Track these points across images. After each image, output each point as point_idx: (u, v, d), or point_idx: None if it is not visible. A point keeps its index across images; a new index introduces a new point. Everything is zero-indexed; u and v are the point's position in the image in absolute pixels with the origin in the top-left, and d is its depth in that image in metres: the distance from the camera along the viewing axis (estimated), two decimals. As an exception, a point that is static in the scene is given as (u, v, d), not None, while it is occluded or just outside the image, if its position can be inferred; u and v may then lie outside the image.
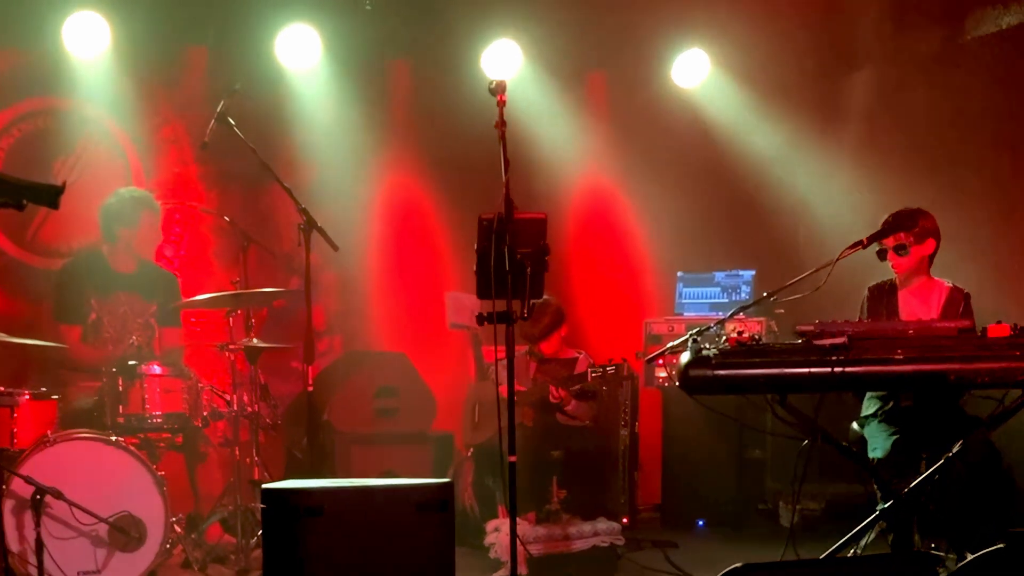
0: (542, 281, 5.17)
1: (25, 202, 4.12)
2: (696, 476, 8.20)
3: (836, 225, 8.11)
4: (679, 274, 8.78)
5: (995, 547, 4.50)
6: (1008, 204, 7.73)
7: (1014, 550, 4.49)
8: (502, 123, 5.26)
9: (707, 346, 5.17)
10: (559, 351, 7.60)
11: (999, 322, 5.09)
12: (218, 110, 6.75)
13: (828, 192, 8.66)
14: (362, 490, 4.88)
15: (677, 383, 5.29)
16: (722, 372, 5.10)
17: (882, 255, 6.12)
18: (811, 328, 5.19)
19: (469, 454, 7.83)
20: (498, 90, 5.32)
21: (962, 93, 8.06)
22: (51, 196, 4.17)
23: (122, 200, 7.14)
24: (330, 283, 8.65)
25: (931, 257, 6.15)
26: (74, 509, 5.85)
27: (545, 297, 7.43)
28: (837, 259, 5.58)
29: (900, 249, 6.09)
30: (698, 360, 5.12)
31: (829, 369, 5.06)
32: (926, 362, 5.04)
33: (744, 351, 5.14)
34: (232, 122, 6.72)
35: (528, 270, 5.06)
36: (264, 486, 4.88)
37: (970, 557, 4.66)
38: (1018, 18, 7.71)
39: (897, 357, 5.06)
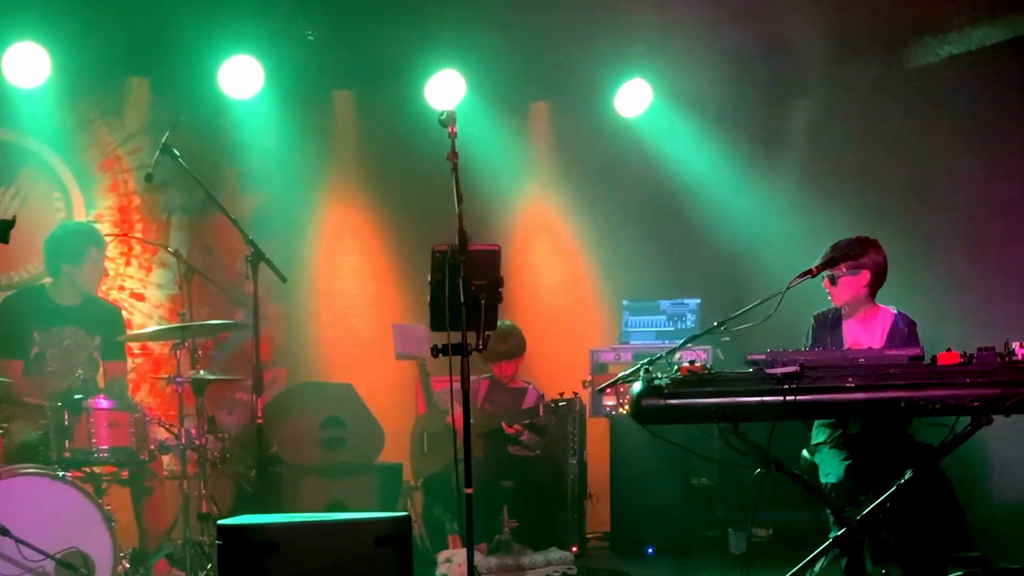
0: (496, 312, 5.16)
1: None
2: (645, 504, 8.20)
3: (780, 253, 8.14)
4: (625, 302, 8.82)
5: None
6: (950, 231, 7.83)
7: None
8: (454, 154, 5.25)
9: (659, 375, 5.18)
10: (513, 379, 7.65)
11: (948, 350, 5.14)
12: (163, 141, 6.70)
13: (771, 220, 8.73)
14: (318, 525, 4.86)
15: (629, 413, 5.30)
16: (674, 401, 5.12)
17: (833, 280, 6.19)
18: (762, 357, 5.22)
19: (419, 484, 7.81)
20: (448, 121, 5.31)
21: (902, 121, 8.17)
22: (1, 230, 4.14)
23: (67, 234, 7.09)
24: (275, 314, 8.60)
25: (871, 286, 6.19)
26: (20, 546, 5.75)
27: (510, 323, 7.49)
28: (786, 289, 5.61)
29: (832, 279, 6.15)
30: (650, 390, 5.13)
31: (781, 397, 5.08)
32: (877, 390, 5.09)
33: (696, 380, 5.16)
34: (177, 153, 6.67)
35: (482, 302, 5.05)
36: (220, 522, 4.85)
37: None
38: (957, 48, 7.84)
39: (848, 385, 5.10)
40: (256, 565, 4.59)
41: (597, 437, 8.34)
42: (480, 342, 5.05)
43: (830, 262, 6.05)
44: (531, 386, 7.79)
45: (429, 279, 5.13)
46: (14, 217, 4.07)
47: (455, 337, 5.02)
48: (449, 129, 5.29)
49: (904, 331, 6.14)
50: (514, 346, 7.63)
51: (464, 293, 5.00)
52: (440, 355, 5.04)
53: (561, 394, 7.33)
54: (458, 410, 5.12)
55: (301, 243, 8.81)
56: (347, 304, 9.02)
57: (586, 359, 8.51)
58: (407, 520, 4.92)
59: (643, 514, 8.24)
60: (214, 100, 8.32)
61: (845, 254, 6.09)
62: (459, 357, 5.03)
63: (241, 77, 8.24)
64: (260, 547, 4.59)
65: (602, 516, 8.53)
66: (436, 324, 5.12)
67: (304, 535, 4.73)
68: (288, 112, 8.62)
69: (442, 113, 5.34)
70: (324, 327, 8.91)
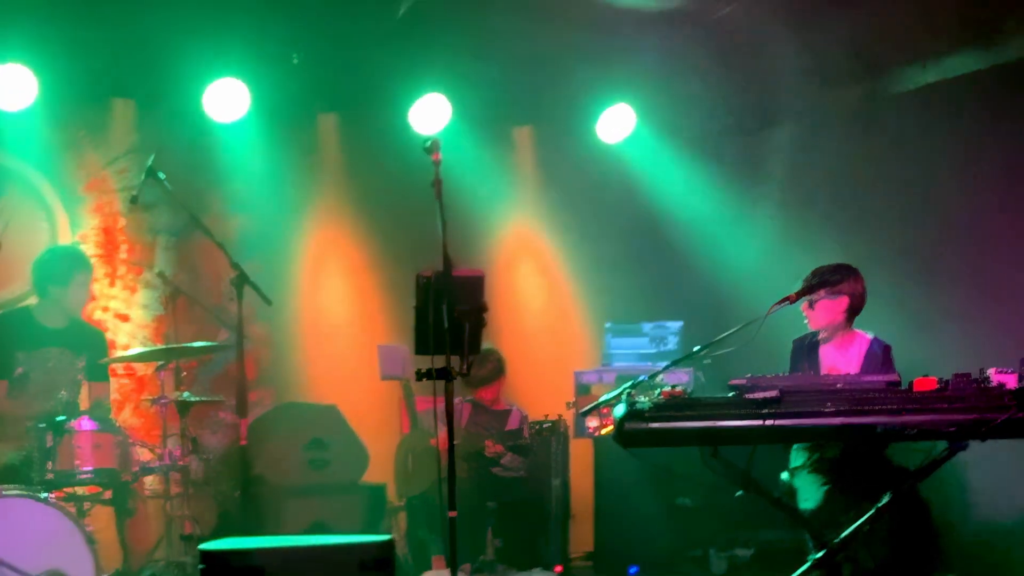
0: (480, 337, 5.21)
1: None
2: (627, 524, 8.22)
3: (759, 277, 8.23)
4: (607, 325, 8.87)
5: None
6: (928, 258, 7.89)
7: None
8: (438, 181, 5.30)
9: (641, 399, 5.23)
10: (496, 401, 7.70)
11: (925, 375, 5.20)
12: (148, 164, 6.72)
13: (753, 244, 8.80)
14: (303, 550, 4.86)
15: (612, 436, 5.34)
16: (656, 425, 5.16)
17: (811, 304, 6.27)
18: (743, 382, 5.27)
19: (402, 504, 7.84)
20: (433, 149, 5.36)
21: (883, 148, 8.23)
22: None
23: (55, 258, 7.12)
24: (260, 335, 8.62)
25: (848, 312, 6.28)
26: (2, 567, 5.76)
27: (489, 346, 7.54)
28: (767, 314, 5.67)
29: (810, 303, 6.24)
30: (632, 414, 5.17)
31: (761, 421, 5.13)
32: (855, 415, 5.13)
33: (677, 404, 5.20)
34: (163, 177, 6.70)
35: (467, 327, 5.10)
36: (202, 546, 4.85)
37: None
38: (936, 76, 7.91)
39: (827, 410, 5.15)
40: (240, 589, 4.61)
41: (581, 458, 8.37)
42: (464, 366, 5.10)
43: (809, 288, 6.14)
44: (515, 408, 7.85)
45: (414, 304, 5.18)
46: None
47: (439, 361, 5.06)
48: (433, 156, 5.34)
49: (879, 356, 6.22)
50: (491, 371, 7.71)
51: (448, 319, 5.04)
52: (424, 379, 5.09)
53: (546, 416, 7.36)
54: (442, 432, 5.16)
55: (286, 265, 8.84)
56: (331, 325, 9.04)
57: (569, 381, 8.56)
58: (391, 544, 4.92)
59: (626, 534, 8.26)
60: (199, 122, 8.35)
61: (824, 280, 6.17)
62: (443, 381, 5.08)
63: (226, 99, 8.27)
64: (244, 572, 4.60)
65: (585, 536, 8.54)
66: (420, 348, 5.17)
67: (288, 560, 4.73)
68: (273, 135, 8.66)
69: (426, 140, 5.39)
70: (309, 348, 8.94)
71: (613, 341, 8.80)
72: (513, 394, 8.24)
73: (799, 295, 6.03)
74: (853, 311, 6.27)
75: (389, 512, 8.15)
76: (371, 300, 9.06)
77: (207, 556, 4.75)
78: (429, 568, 7.32)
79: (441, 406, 5.16)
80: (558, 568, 7.78)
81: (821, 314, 6.25)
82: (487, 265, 8.15)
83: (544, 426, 7.13)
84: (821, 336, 6.35)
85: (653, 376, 5.80)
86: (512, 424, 7.69)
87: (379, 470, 8.20)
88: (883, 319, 6.52)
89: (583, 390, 8.51)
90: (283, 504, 7.83)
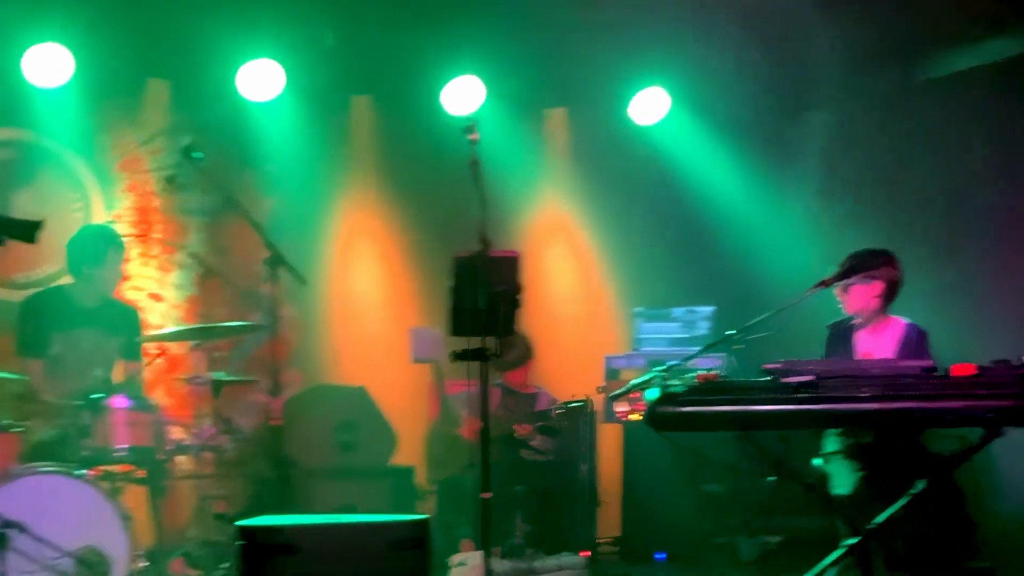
0: (514, 319, 5.21)
1: (3, 237, 4.14)
2: (655, 510, 8.23)
3: (793, 262, 8.20)
4: (637, 309, 8.86)
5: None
6: (963, 244, 7.86)
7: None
8: (476, 161, 5.30)
9: (674, 383, 5.21)
10: (524, 385, 7.70)
11: (963, 362, 5.17)
12: (186, 144, 6.74)
13: (785, 229, 8.76)
14: (337, 527, 4.87)
15: (643, 420, 5.32)
16: (689, 409, 5.12)
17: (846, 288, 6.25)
18: (778, 366, 5.24)
19: (431, 488, 7.85)
20: (471, 129, 5.38)
21: (916, 134, 8.20)
22: (30, 231, 4.20)
23: (89, 237, 7.15)
24: (290, 317, 8.62)
25: (884, 297, 6.25)
26: (39, 543, 5.78)
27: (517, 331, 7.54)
28: (802, 298, 5.65)
29: (845, 288, 6.21)
30: (665, 397, 5.14)
31: (796, 406, 5.11)
32: (891, 400, 5.09)
33: (711, 388, 5.17)
34: (201, 156, 6.71)
35: (502, 308, 5.09)
36: (238, 523, 4.87)
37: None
38: (971, 62, 7.87)
39: (863, 395, 5.12)
40: (274, 566, 4.61)
41: (609, 443, 8.38)
42: (499, 348, 5.11)
43: (845, 273, 6.11)
44: (542, 390, 7.86)
45: (449, 284, 5.18)
46: (43, 219, 4.11)
47: (474, 343, 5.06)
48: (471, 136, 5.34)
49: (915, 341, 6.21)
50: (520, 354, 7.71)
51: (484, 299, 5.04)
52: (460, 360, 5.09)
53: (574, 396, 7.36)
54: (471, 417, 5.16)
55: (317, 246, 8.85)
56: (362, 307, 9.06)
57: (599, 365, 8.56)
58: (426, 523, 4.92)
59: (654, 520, 8.27)
60: (233, 104, 8.38)
61: (860, 265, 6.14)
62: (477, 362, 5.08)
63: (260, 80, 8.31)
64: (279, 549, 4.62)
65: (613, 522, 8.54)
66: (456, 329, 5.17)
67: (323, 537, 4.73)
68: (306, 116, 8.67)
69: (465, 120, 5.40)
70: (339, 330, 8.96)
71: (643, 326, 8.78)
72: (542, 378, 8.24)
73: (834, 279, 6.01)
74: (888, 296, 6.24)
75: (418, 495, 8.17)
76: (402, 282, 9.07)
77: (243, 532, 4.76)
78: (458, 551, 7.33)
79: (476, 388, 5.16)
80: (585, 553, 7.79)
81: (856, 299, 6.24)
82: (517, 247, 8.12)
83: (572, 406, 7.12)
84: (856, 321, 6.33)
85: (686, 360, 5.81)
86: (541, 406, 7.69)
87: (408, 453, 8.22)
88: (919, 305, 6.49)
89: (613, 375, 8.51)
90: (313, 485, 7.86)
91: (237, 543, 4.79)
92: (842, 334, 6.39)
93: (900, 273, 6.24)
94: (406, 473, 8.21)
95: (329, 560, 4.71)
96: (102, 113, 8.31)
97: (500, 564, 6.87)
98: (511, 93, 8.88)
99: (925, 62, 8.20)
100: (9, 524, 5.68)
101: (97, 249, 7.03)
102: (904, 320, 6.29)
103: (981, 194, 7.80)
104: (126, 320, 7.23)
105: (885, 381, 5.16)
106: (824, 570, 5.49)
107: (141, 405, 6.61)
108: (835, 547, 5.53)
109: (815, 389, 5.11)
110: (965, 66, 7.92)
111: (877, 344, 6.28)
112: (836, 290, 6.24)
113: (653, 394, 5.18)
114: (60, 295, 7.10)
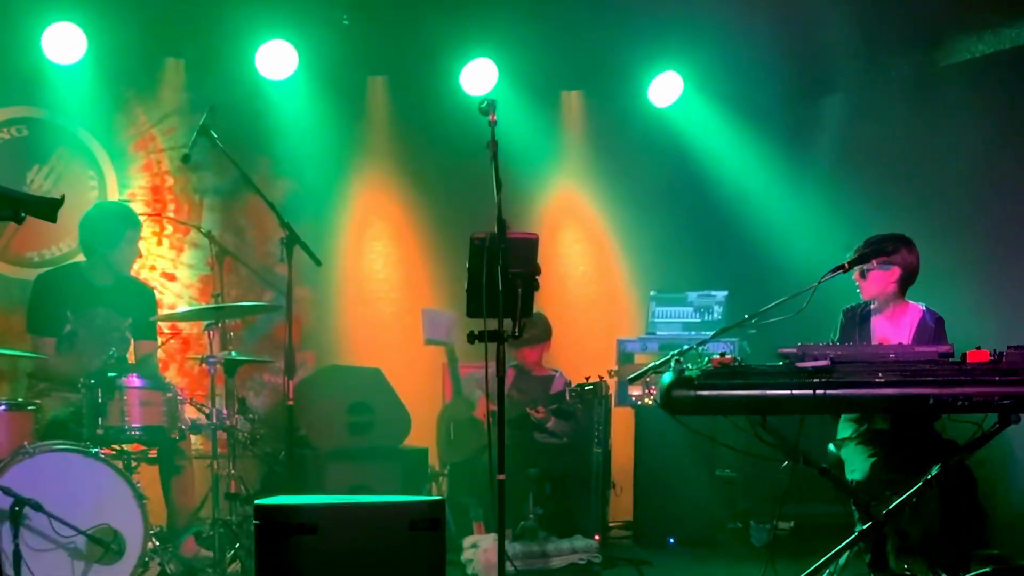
0: (532, 300, 5.21)
1: (24, 215, 4.13)
2: (667, 494, 8.23)
3: (808, 247, 8.20)
4: (652, 293, 8.85)
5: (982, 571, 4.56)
6: (980, 231, 7.83)
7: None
8: (494, 143, 5.29)
9: (689, 367, 5.21)
10: (539, 365, 7.70)
11: (978, 347, 5.16)
12: (201, 123, 6.72)
13: (801, 214, 8.74)
14: (354, 507, 4.88)
15: (658, 403, 5.31)
16: (704, 393, 5.12)
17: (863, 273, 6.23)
18: (793, 351, 5.24)
19: (444, 470, 7.85)
20: (489, 110, 5.37)
21: (935, 120, 8.16)
22: (50, 209, 4.19)
23: (103, 215, 7.11)
24: (304, 297, 8.63)
25: (901, 282, 6.23)
26: (53, 521, 5.80)
27: (537, 311, 7.54)
28: (818, 283, 5.62)
29: (862, 272, 6.19)
30: (680, 381, 5.14)
31: (812, 391, 5.10)
32: (907, 386, 5.09)
33: (727, 372, 5.16)
34: (216, 136, 6.70)
35: (519, 290, 5.09)
36: (257, 502, 4.88)
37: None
38: (991, 47, 7.83)
39: (878, 380, 5.12)
40: (292, 545, 4.62)
41: (621, 427, 8.37)
42: (516, 330, 5.10)
43: (862, 257, 6.08)
44: (558, 373, 7.85)
45: (467, 266, 5.17)
46: (62, 197, 4.10)
47: (492, 324, 5.06)
48: (489, 117, 5.33)
49: (932, 327, 6.19)
50: (538, 333, 7.69)
51: (502, 281, 5.03)
52: (477, 341, 5.09)
53: (587, 378, 7.35)
54: (484, 399, 5.15)
55: (331, 227, 8.86)
56: (376, 289, 9.07)
57: (612, 348, 8.55)
58: (442, 504, 4.92)
59: (666, 505, 8.27)
60: (249, 84, 8.39)
61: (877, 249, 6.12)
62: (493, 344, 5.07)
63: (276, 61, 8.32)
64: (297, 528, 4.62)
65: (625, 505, 8.55)
66: (473, 311, 5.16)
67: (341, 517, 4.74)
68: (322, 97, 8.67)
69: (483, 101, 5.39)
70: (352, 311, 8.96)
71: (658, 310, 8.77)
72: (555, 361, 8.23)
73: (851, 264, 5.98)
74: (905, 282, 6.22)
75: (431, 477, 8.17)
76: (416, 264, 9.07)
77: (260, 511, 4.77)
78: (470, 533, 7.34)
79: (491, 369, 5.15)
80: (596, 536, 7.79)
81: (873, 284, 6.22)
82: (533, 229, 8.11)
83: (586, 388, 7.11)
84: (873, 306, 6.31)
85: (701, 344, 5.80)
86: (556, 389, 7.69)
87: (421, 434, 8.21)
88: (935, 291, 6.47)
89: (626, 358, 8.51)
90: (325, 466, 7.86)
91: (255, 522, 4.80)
92: (858, 319, 6.37)
93: (917, 258, 6.21)
94: (419, 454, 8.20)
95: (347, 539, 4.72)
96: (117, 92, 8.33)
97: (512, 547, 6.87)
98: (527, 75, 8.87)
99: (944, 47, 8.17)
100: (24, 501, 5.69)
101: (113, 227, 6.99)
102: (921, 306, 6.27)
103: (999, 180, 7.76)
104: (140, 299, 7.22)
105: (900, 366, 5.16)
106: (836, 555, 5.50)
107: (155, 384, 6.59)
108: (848, 533, 5.55)
109: (830, 374, 5.11)
110: (984, 52, 7.88)
111: (893, 329, 6.26)
112: (854, 275, 6.22)
113: (668, 378, 5.18)
114: (74, 273, 7.08)
